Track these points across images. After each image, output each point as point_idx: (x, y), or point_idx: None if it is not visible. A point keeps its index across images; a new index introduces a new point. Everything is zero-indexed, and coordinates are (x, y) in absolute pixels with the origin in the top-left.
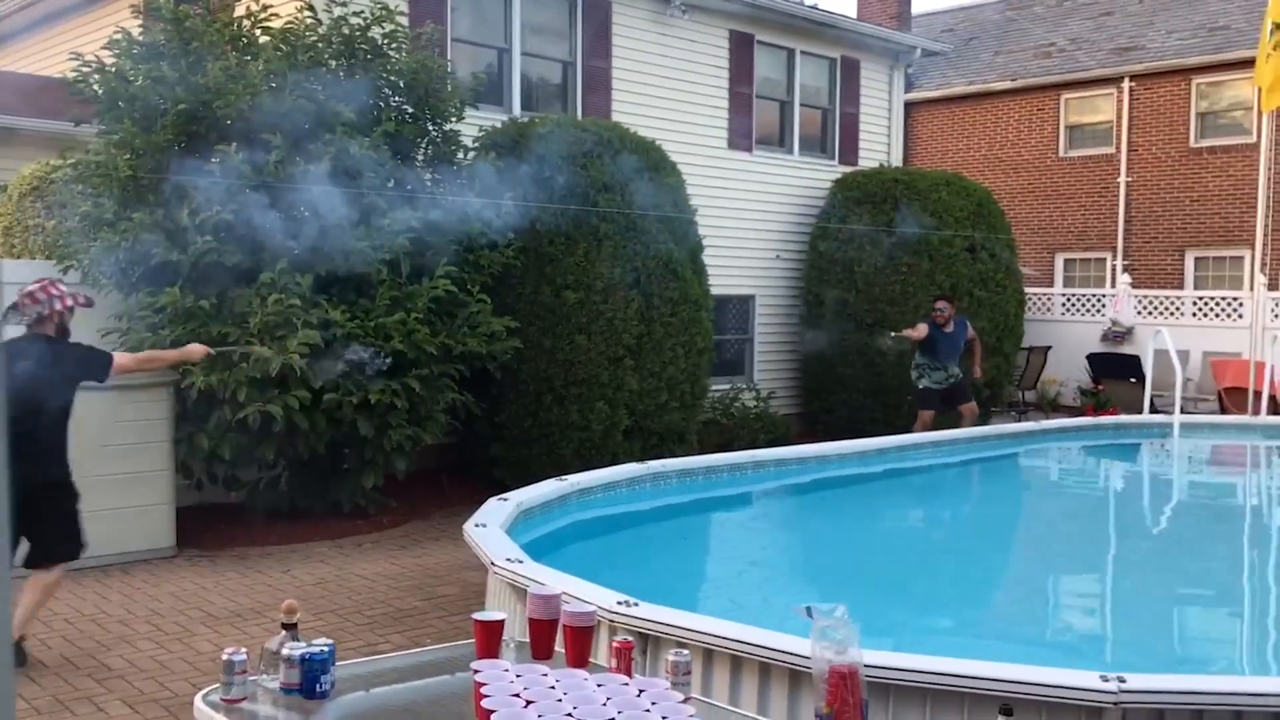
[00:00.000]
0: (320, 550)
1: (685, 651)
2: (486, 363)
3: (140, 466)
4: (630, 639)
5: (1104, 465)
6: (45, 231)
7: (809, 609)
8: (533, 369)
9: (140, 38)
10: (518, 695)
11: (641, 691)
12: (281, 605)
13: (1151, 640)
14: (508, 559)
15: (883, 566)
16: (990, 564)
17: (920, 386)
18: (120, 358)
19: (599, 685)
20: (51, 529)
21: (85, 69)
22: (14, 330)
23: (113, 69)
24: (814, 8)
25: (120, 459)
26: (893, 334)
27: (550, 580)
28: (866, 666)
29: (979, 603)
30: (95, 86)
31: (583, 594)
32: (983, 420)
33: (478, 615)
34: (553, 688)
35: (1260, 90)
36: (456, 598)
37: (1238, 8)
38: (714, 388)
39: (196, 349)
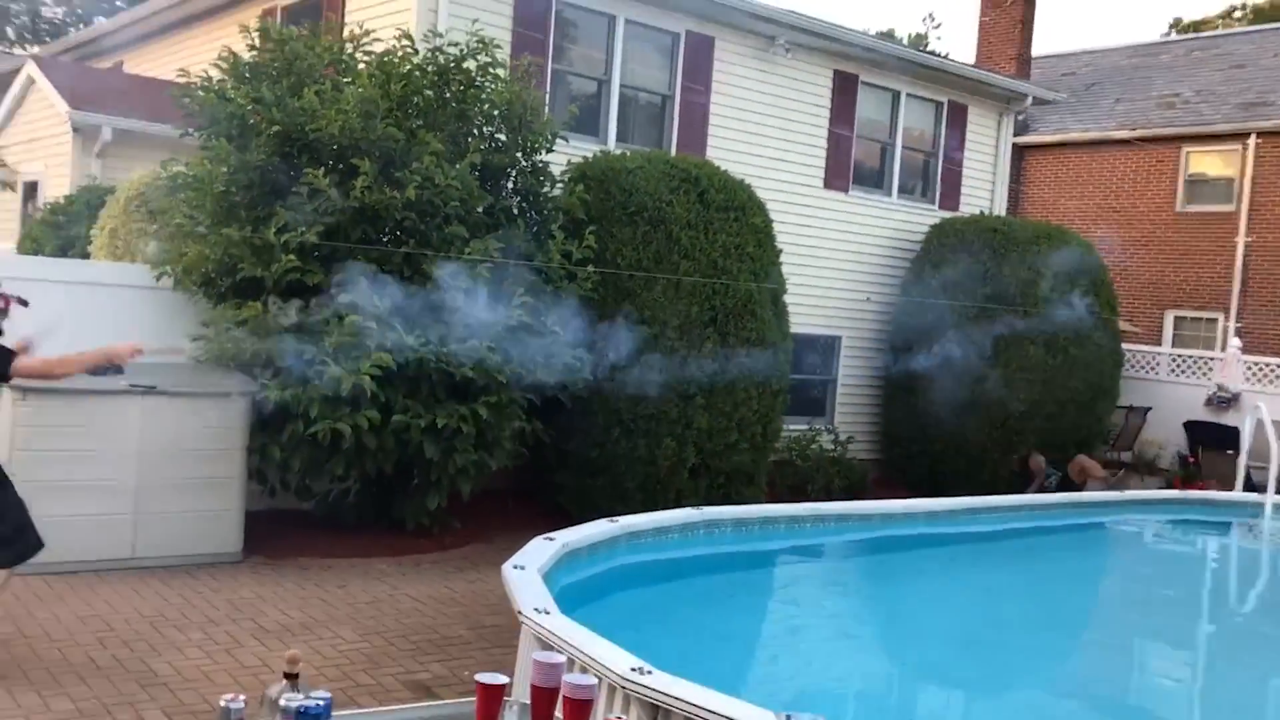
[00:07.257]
0: (380, 567)
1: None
2: (557, 392)
3: (213, 472)
4: (623, 718)
5: (1181, 544)
6: (147, 237)
7: (789, 718)
8: (603, 401)
9: (248, 57)
10: None
11: None
12: (285, 654)
13: None
14: (535, 609)
15: (932, 645)
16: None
17: None
18: (23, 363)
19: None
20: None
21: (190, 84)
22: None
23: (214, 86)
24: (928, 50)
25: (193, 464)
26: None
27: (573, 637)
28: None
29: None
30: (195, 104)
31: (598, 656)
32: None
33: (480, 676)
34: None
35: None
36: (503, 629)
37: None
38: (791, 427)
39: (124, 347)
